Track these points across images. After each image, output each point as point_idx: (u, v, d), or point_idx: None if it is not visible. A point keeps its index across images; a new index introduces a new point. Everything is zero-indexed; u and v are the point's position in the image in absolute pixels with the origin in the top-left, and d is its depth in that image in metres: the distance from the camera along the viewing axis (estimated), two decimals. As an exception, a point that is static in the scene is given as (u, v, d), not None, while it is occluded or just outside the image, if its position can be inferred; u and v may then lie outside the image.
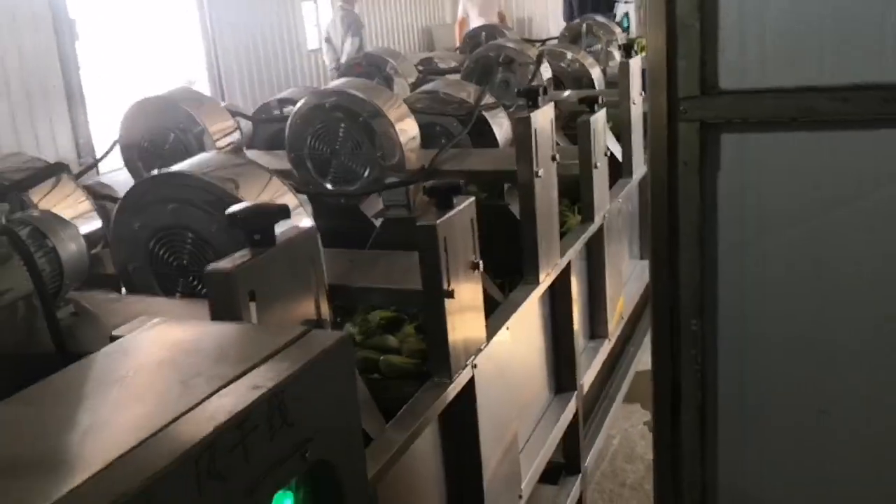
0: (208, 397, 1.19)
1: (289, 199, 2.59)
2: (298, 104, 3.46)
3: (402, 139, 3.33)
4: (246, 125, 3.97)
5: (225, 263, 1.73)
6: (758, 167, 2.83)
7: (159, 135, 3.64)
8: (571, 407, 3.91)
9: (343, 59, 11.49)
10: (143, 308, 2.23)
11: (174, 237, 2.57)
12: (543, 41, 6.40)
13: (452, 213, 2.60)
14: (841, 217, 2.75)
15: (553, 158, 3.45)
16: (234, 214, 1.79)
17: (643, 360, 5.45)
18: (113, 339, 1.48)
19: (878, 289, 2.73)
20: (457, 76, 4.89)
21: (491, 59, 4.97)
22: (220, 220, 2.45)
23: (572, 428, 3.98)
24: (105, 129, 9.57)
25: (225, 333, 1.46)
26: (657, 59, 2.79)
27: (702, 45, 2.75)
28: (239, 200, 2.45)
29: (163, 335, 1.45)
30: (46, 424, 1.16)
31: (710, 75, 2.76)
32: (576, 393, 3.94)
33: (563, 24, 9.57)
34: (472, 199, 2.74)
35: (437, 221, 2.50)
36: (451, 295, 2.58)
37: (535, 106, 3.34)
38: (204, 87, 13.26)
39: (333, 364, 1.37)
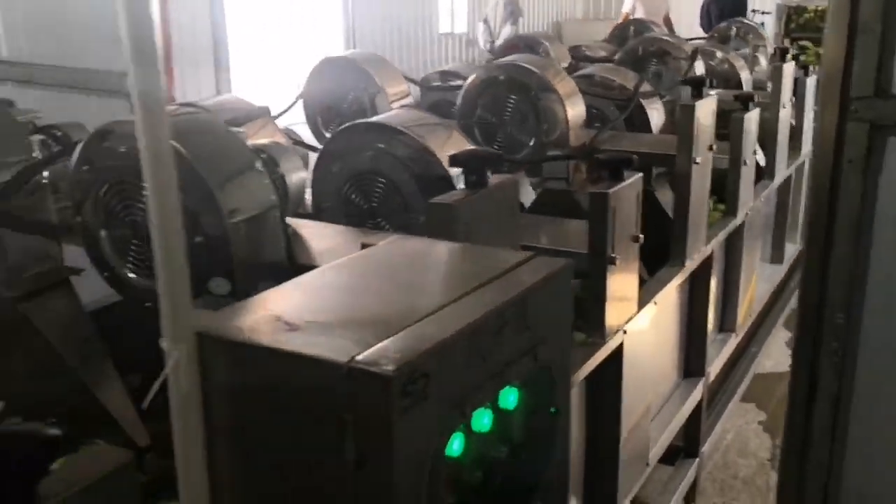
0: (471, 291, 1.42)
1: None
2: (473, 75, 3.70)
3: (569, 115, 3.53)
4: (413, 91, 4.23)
5: (446, 198, 1.97)
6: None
7: (340, 93, 3.94)
8: (697, 392, 4.03)
9: (499, 43, 11.90)
10: (335, 234, 2.50)
11: (367, 182, 2.83)
12: (691, 39, 6.48)
13: (623, 185, 2.77)
14: None
15: (710, 148, 3.59)
16: (456, 156, 2.03)
17: (763, 363, 5.51)
18: (364, 245, 1.73)
19: None
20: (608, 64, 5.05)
21: (646, 51, 5.11)
22: (412, 169, 2.71)
23: (695, 413, 4.10)
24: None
25: (463, 250, 1.70)
26: (834, 59, 2.89)
27: (880, 49, 2.84)
28: (431, 153, 2.70)
29: (411, 246, 1.70)
30: (364, 292, 1.43)
31: (884, 79, 2.86)
32: (703, 379, 4.07)
33: (696, 33, 9.66)
34: (640, 174, 2.91)
35: (610, 191, 2.68)
36: (613, 262, 2.76)
37: (700, 96, 3.48)
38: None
39: (559, 284, 1.59)
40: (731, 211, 4.26)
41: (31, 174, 2.35)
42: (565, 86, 3.57)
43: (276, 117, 3.61)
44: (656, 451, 3.61)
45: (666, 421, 3.76)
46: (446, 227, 1.92)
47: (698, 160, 3.46)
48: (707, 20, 11.56)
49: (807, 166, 5.77)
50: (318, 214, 2.93)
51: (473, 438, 1.37)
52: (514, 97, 3.60)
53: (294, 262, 2.13)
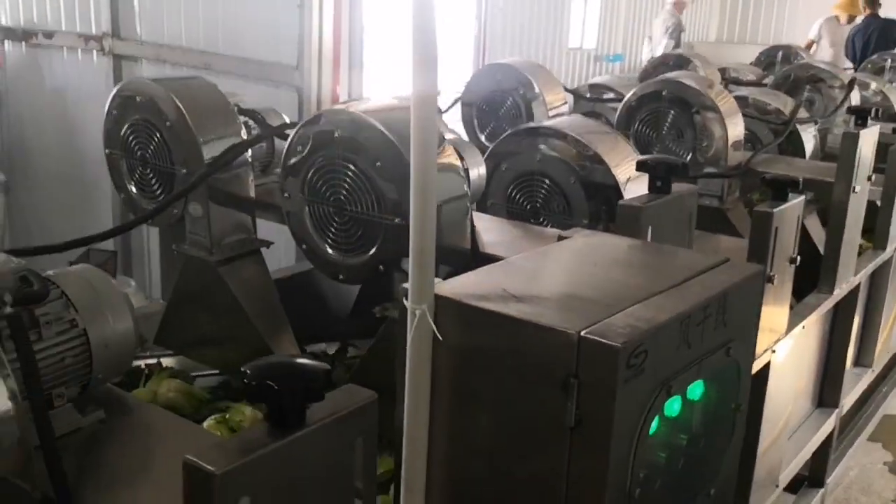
0: (678, 284, 1.53)
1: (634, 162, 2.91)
2: (636, 88, 3.80)
3: (729, 135, 3.58)
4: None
5: (634, 201, 2.08)
6: None
7: (499, 97, 4.10)
8: (830, 424, 4.00)
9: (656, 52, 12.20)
10: (504, 228, 2.64)
11: (533, 183, 2.97)
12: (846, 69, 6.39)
13: (786, 205, 2.81)
14: None
15: (868, 178, 3.58)
16: (644, 161, 2.14)
17: (893, 403, 5.37)
18: (560, 238, 1.86)
19: None
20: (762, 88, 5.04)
21: (799, 77, 5.09)
22: (579, 173, 2.83)
23: (825, 444, 4.07)
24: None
25: (657, 248, 1.81)
26: None
27: None
28: (599, 160, 2.81)
29: (607, 240, 1.83)
30: (575, 276, 1.56)
31: None
32: (836, 411, 4.03)
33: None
34: (803, 197, 2.94)
35: (774, 210, 2.73)
36: (771, 280, 2.81)
37: (864, 125, 3.47)
38: (468, 70, 13.95)
39: (753, 287, 1.68)
40: (880, 245, 4.20)
41: (238, 152, 2.59)
42: (727, 105, 3.62)
43: (440, 114, 3.79)
44: (786, 474, 3.61)
45: (796, 448, 3.75)
46: (633, 227, 2.03)
47: (857, 189, 3.45)
48: (852, 51, 11.28)
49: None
50: (482, 209, 3.08)
51: (664, 421, 1.47)
52: (674, 112, 3.67)
53: (475, 250, 2.28)
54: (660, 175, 2.14)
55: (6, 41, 5.79)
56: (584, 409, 1.32)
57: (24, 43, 5.71)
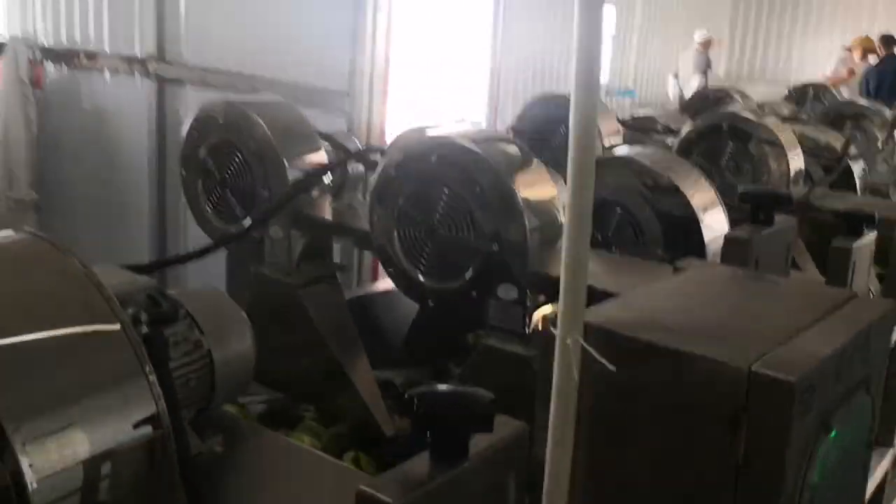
0: (821, 318, 1.50)
1: (709, 193, 2.88)
2: (697, 121, 3.79)
3: (791, 168, 3.57)
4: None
5: (741, 233, 2.06)
6: None
7: (551, 127, 4.09)
8: (885, 464, 3.95)
9: (688, 94, 12.41)
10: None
11: (605, 212, 2.95)
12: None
13: (863, 240, 2.79)
14: None
15: (929, 216, 3.56)
16: (746, 192, 2.12)
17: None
18: (676, 269, 1.84)
19: None
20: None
21: (840, 114, 5.10)
22: (652, 202, 2.81)
23: (881, 485, 4.01)
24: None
25: (784, 281, 1.78)
26: None
27: None
28: (674, 188, 2.79)
29: (728, 272, 1.80)
30: (714, 307, 1.53)
31: None
32: (891, 451, 3.98)
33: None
34: (875, 232, 2.92)
35: (853, 245, 2.70)
36: (847, 315, 2.78)
37: (929, 161, 3.47)
38: (482, 102, 14.05)
39: (887, 323, 1.65)
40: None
41: (323, 174, 2.57)
42: (788, 139, 3.61)
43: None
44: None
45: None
46: (741, 258, 2.00)
47: (924, 226, 3.43)
48: (866, 89, 11.38)
49: None
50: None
51: (819, 460, 1.43)
52: (734, 145, 3.66)
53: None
54: (764, 206, 2.12)
55: (46, 61, 5.79)
56: (753, 447, 1.28)
57: (64, 64, 5.71)
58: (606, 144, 4.05)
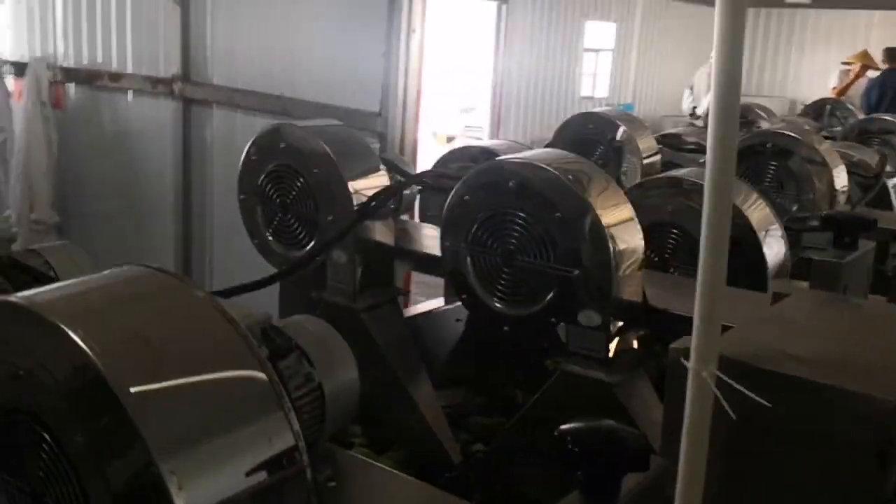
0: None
1: (766, 212, 2.86)
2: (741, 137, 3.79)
3: (836, 186, 3.56)
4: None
5: (830, 257, 2.04)
6: None
7: (589, 145, 4.08)
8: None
9: (700, 109, 12.86)
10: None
11: (662, 233, 2.93)
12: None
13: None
14: None
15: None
16: (833, 217, 2.11)
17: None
18: (777, 296, 1.82)
19: None
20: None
21: (869, 130, 5.12)
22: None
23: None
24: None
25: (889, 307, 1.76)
26: None
27: None
28: (736, 212, 2.77)
29: (832, 297, 1.78)
30: (827, 335, 1.51)
31: None
32: None
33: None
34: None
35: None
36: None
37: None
38: (484, 115, 14.13)
39: None
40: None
41: (388, 198, 2.55)
42: (832, 157, 3.61)
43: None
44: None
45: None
46: (830, 283, 1.99)
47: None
48: (867, 104, 11.44)
49: None
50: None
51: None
52: (777, 164, 3.66)
53: (646, 303, 2.22)
54: (850, 231, 2.11)
55: (67, 83, 5.77)
56: (903, 479, 1.26)
57: (87, 85, 5.68)
58: (645, 163, 4.05)
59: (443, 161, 3.29)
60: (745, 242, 2.73)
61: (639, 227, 2.25)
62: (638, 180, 3.92)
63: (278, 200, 2.67)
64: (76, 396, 1.10)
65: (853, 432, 1.30)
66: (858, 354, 1.47)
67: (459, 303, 2.43)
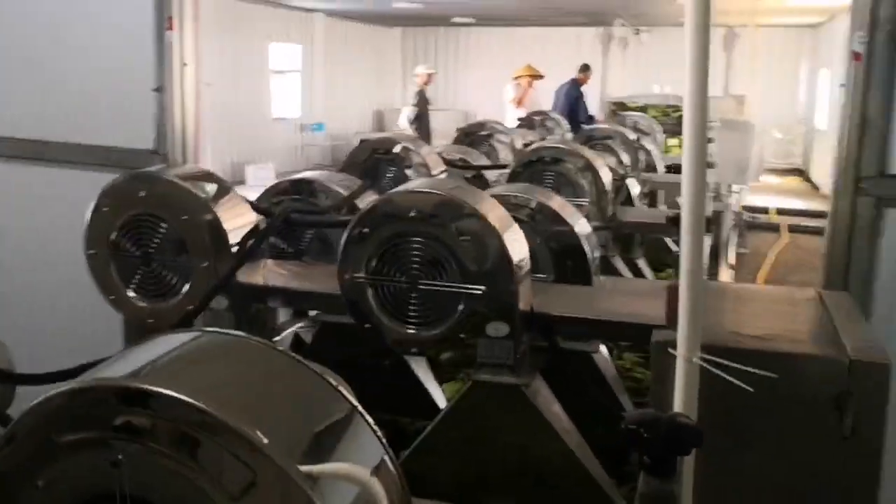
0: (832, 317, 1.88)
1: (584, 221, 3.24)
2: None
3: (608, 189, 4.07)
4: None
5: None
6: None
7: (380, 168, 4.27)
8: None
9: (400, 123, 13.73)
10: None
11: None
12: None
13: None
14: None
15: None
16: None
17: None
18: (671, 290, 2.13)
19: None
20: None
21: (594, 138, 5.85)
22: (540, 233, 3.10)
23: None
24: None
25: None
26: (848, 147, 3.67)
27: (882, 139, 3.64)
28: (563, 220, 3.12)
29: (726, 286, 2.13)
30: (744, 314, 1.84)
31: (886, 162, 3.65)
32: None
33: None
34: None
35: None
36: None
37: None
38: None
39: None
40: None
41: (261, 240, 2.53)
42: (599, 163, 4.12)
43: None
44: None
45: None
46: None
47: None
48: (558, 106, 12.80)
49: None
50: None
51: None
52: (555, 174, 4.09)
53: (532, 312, 2.45)
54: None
55: None
56: (857, 420, 1.60)
57: None
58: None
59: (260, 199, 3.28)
60: (574, 247, 3.08)
61: (523, 236, 2.47)
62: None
63: (139, 252, 2.54)
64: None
65: (816, 388, 1.62)
66: (795, 328, 1.81)
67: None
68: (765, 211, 10.77)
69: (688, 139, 1.62)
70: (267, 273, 2.67)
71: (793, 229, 13.38)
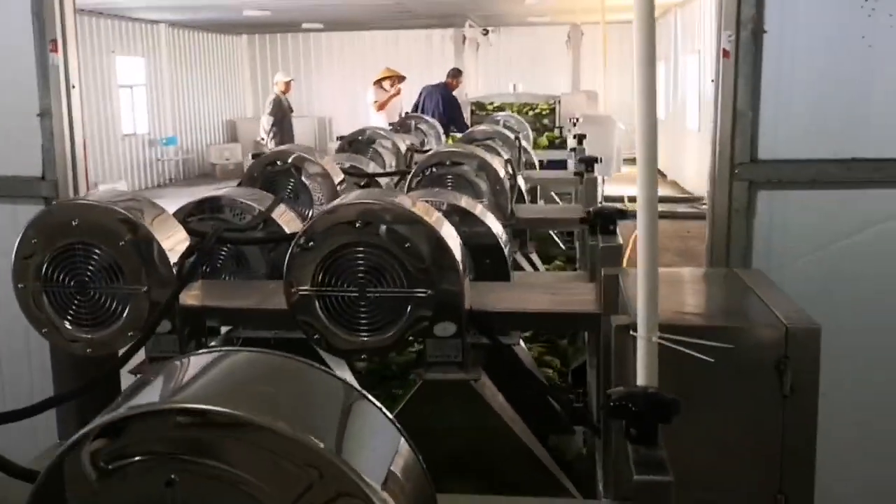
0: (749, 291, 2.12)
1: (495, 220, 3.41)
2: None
3: (511, 187, 4.26)
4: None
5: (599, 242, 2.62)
6: (783, 213, 4.10)
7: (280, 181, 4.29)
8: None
9: (261, 132, 14.36)
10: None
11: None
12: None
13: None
14: (843, 248, 4.06)
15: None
16: (598, 210, 2.69)
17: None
18: (608, 278, 2.33)
19: (868, 294, 4.05)
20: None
21: (475, 139, 6.06)
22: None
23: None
24: None
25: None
26: (724, 136, 4.01)
27: (752, 128, 4.01)
28: (480, 221, 3.27)
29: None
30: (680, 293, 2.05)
31: (756, 149, 4.02)
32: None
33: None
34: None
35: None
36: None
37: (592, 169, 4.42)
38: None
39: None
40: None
41: (200, 261, 2.56)
42: (497, 162, 4.32)
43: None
44: None
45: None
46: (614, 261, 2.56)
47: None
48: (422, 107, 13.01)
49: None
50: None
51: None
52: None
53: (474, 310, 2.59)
54: (612, 221, 2.72)
55: None
56: (796, 381, 1.82)
57: None
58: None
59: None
60: (492, 246, 3.24)
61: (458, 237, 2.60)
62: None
63: (72, 282, 2.50)
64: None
65: (758, 355, 1.83)
66: (729, 304, 2.02)
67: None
68: (620, 200, 11.38)
69: (640, 135, 1.80)
70: (205, 293, 2.68)
71: (647, 215, 14.03)
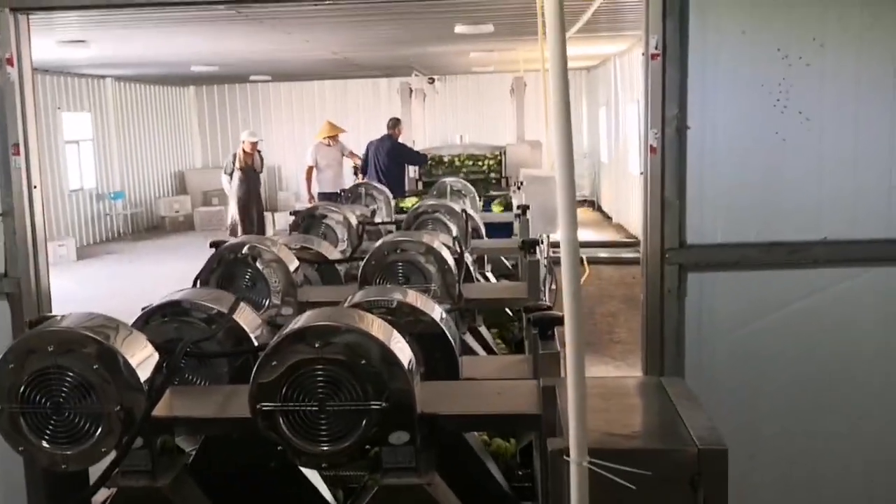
0: (674, 406, 2.38)
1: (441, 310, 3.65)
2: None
3: (455, 270, 4.51)
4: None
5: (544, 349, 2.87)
6: (711, 293, 4.43)
7: (238, 272, 4.49)
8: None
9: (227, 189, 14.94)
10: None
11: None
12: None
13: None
14: (764, 324, 4.40)
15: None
16: (538, 318, 2.94)
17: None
18: (546, 390, 2.58)
19: (789, 368, 4.39)
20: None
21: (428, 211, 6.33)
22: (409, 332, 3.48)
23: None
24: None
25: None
26: (654, 223, 4.33)
27: (679, 217, 4.34)
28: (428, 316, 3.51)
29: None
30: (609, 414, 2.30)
31: (684, 234, 4.35)
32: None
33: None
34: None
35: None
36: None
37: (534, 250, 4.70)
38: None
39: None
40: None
41: (170, 377, 2.75)
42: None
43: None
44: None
45: None
46: (552, 370, 2.81)
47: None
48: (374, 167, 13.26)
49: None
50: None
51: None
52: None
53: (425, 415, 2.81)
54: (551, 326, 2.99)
55: None
56: (707, 495, 2.08)
57: None
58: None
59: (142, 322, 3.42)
60: (438, 336, 3.46)
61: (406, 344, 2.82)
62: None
63: (48, 403, 2.67)
64: None
65: (675, 473, 2.08)
66: (651, 422, 2.28)
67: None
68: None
69: (563, 230, 2.04)
70: (172, 403, 2.86)
71: (592, 261, 14.51)
